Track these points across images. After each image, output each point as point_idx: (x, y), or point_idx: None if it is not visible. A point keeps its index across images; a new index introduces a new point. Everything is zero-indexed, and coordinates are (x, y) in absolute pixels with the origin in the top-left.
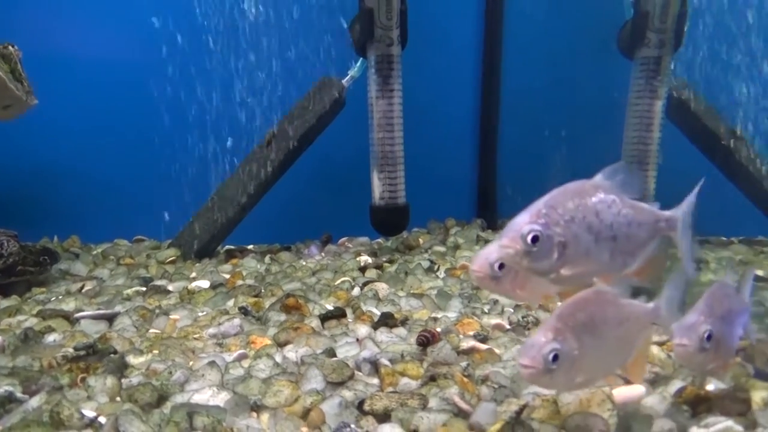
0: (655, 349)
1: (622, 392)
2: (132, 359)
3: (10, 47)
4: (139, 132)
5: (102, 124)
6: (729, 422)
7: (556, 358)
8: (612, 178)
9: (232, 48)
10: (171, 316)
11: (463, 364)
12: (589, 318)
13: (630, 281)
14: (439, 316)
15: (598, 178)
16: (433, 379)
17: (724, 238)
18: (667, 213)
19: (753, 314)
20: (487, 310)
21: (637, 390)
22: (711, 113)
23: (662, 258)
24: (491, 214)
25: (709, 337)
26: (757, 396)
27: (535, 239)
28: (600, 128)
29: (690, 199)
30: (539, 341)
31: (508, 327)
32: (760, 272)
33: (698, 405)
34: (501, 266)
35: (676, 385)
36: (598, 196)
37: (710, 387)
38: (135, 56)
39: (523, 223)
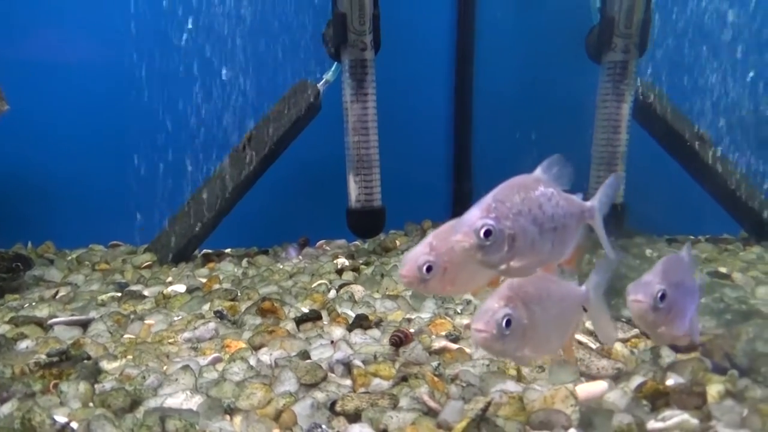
0: (618, 346)
1: (585, 388)
2: (106, 365)
3: None
4: (113, 136)
5: (76, 128)
6: (685, 415)
7: (509, 323)
8: (549, 171)
9: (207, 51)
10: (146, 321)
11: (435, 363)
12: (536, 291)
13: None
14: (413, 317)
15: (538, 171)
16: (404, 379)
17: (692, 237)
18: (588, 203)
19: (713, 310)
20: (459, 311)
21: (599, 386)
22: (676, 115)
23: (584, 246)
24: None
25: (662, 297)
26: (713, 390)
27: (487, 233)
28: (570, 130)
29: (605, 190)
30: (492, 307)
31: None
32: (723, 269)
33: (657, 399)
34: (429, 269)
35: (637, 380)
36: (540, 189)
37: (669, 382)
38: (108, 59)
39: (476, 217)
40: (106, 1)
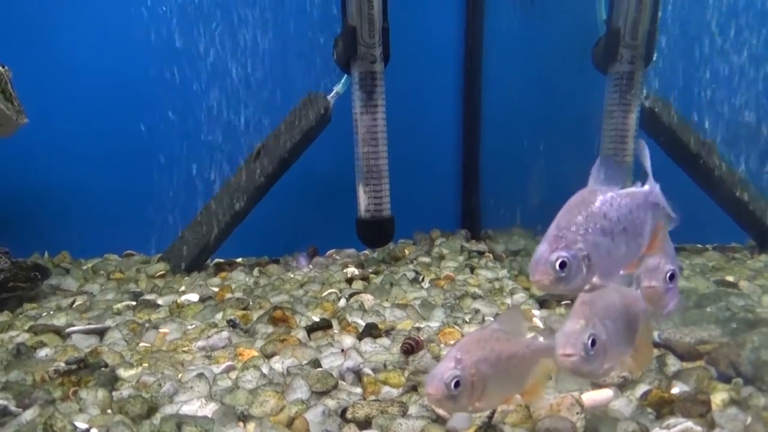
0: None
1: (591, 396)
2: (122, 372)
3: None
4: (128, 146)
5: (91, 139)
6: (689, 423)
7: (593, 343)
8: (599, 177)
9: (222, 64)
10: (160, 330)
11: (424, 379)
12: (606, 305)
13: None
14: (422, 325)
15: (590, 181)
16: (414, 389)
17: (699, 246)
18: (646, 187)
19: (719, 319)
20: (468, 320)
21: (605, 394)
22: (682, 125)
23: (661, 225)
24: (475, 225)
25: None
26: (718, 398)
27: (563, 265)
28: (577, 141)
29: (648, 163)
30: (575, 329)
31: None
32: (730, 278)
33: (662, 407)
34: (456, 384)
35: (642, 388)
36: (599, 199)
37: (675, 390)
38: (126, 70)
39: (547, 253)
40: (121, 13)
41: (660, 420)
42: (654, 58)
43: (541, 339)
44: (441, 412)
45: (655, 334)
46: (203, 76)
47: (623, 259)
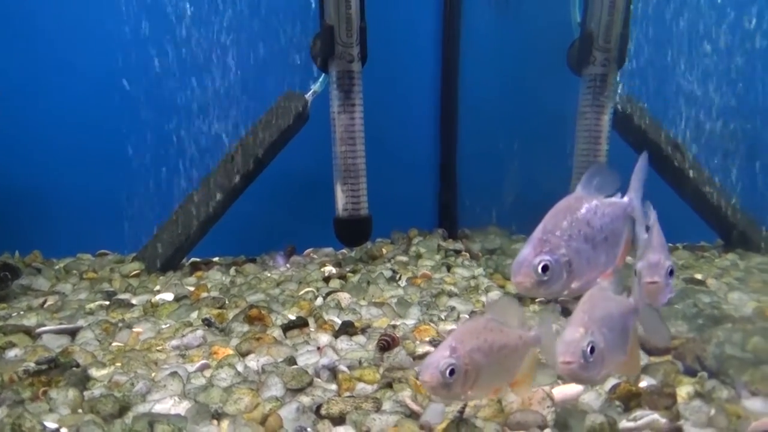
0: None
1: (562, 390)
2: (94, 372)
3: None
4: (101, 145)
5: (64, 137)
6: (655, 415)
7: (592, 350)
8: (590, 183)
9: (194, 61)
10: (134, 329)
11: (418, 368)
12: (603, 313)
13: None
14: (398, 323)
15: (579, 188)
16: (389, 385)
17: (670, 245)
18: (625, 199)
19: (686, 315)
20: (444, 317)
21: (575, 388)
22: (654, 126)
23: (629, 238)
24: (451, 224)
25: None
26: (683, 391)
27: (545, 268)
28: (552, 141)
29: (636, 176)
30: (575, 337)
31: None
32: (698, 276)
33: (630, 400)
34: (451, 372)
35: (611, 382)
36: (584, 206)
37: (643, 384)
38: (95, 69)
39: (531, 256)
40: (98, 8)
41: (628, 413)
42: (627, 61)
43: (532, 331)
44: (414, 407)
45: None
46: (178, 75)
47: (601, 266)
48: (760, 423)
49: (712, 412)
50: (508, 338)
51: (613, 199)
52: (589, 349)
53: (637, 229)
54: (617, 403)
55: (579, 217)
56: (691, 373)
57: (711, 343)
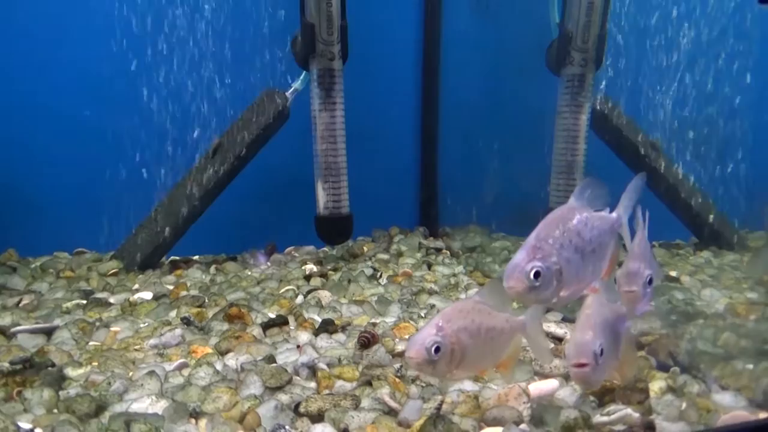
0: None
1: (538, 386)
2: (70, 372)
3: None
4: (78, 141)
5: (39, 133)
6: (628, 410)
7: (602, 352)
8: (582, 195)
9: (174, 57)
10: (111, 328)
11: (397, 365)
12: (610, 316)
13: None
14: (378, 321)
15: (572, 199)
16: (369, 383)
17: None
18: (614, 214)
19: (660, 311)
20: (423, 315)
21: (551, 384)
22: (631, 126)
23: (616, 253)
24: (432, 223)
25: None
26: (656, 386)
27: (537, 275)
28: (531, 140)
29: (627, 195)
30: (586, 340)
31: None
32: (673, 273)
33: (604, 395)
34: (437, 349)
35: None
36: (576, 217)
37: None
38: (72, 64)
39: (524, 261)
40: (77, 6)
41: (601, 407)
42: (604, 62)
43: (520, 316)
44: (392, 404)
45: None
46: (157, 71)
47: (587, 278)
48: (728, 416)
49: (684, 406)
50: (496, 321)
51: (603, 214)
52: (600, 351)
53: (626, 244)
54: (591, 398)
55: (571, 227)
56: (663, 368)
57: (683, 339)
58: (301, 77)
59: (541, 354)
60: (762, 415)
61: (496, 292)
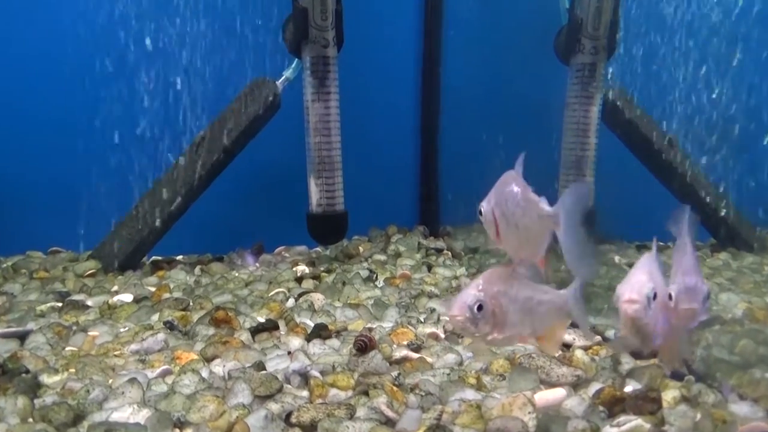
0: (578, 353)
1: (544, 396)
2: (46, 378)
3: None
4: (54, 135)
5: (12, 126)
6: (639, 421)
7: (654, 297)
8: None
9: (155, 47)
10: (89, 333)
11: (394, 373)
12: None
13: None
14: (374, 326)
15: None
16: (365, 393)
17: (660, 243)
18: (551, 209)
19: None
20: (423, 320)
21: (558, 393)
22: (645, 119)
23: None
24: (433, 221)
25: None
26: (669, 395)
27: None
28: (538, 133)
29: (566, 198)
30: (641, 279)
31: (442, 336)
32: None
33: (614, 406)
34: (480, 308)
35: (595, 387)
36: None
37: (628, 388)
38: (46, 58)
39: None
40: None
41: (611, 418)
42: (617, 50)
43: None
44: (390, 414)
45: (611, 332)
46: (137, 61)
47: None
48: (746, 428)
49: (698, 417)
50: (536, 291)
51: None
52: (652, 295)
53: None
54: (601, 408)
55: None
56: (677, 377)
57: (699, 345)
58: (293, 65)
59: (584, 328)
60: None
61: (532, 270)
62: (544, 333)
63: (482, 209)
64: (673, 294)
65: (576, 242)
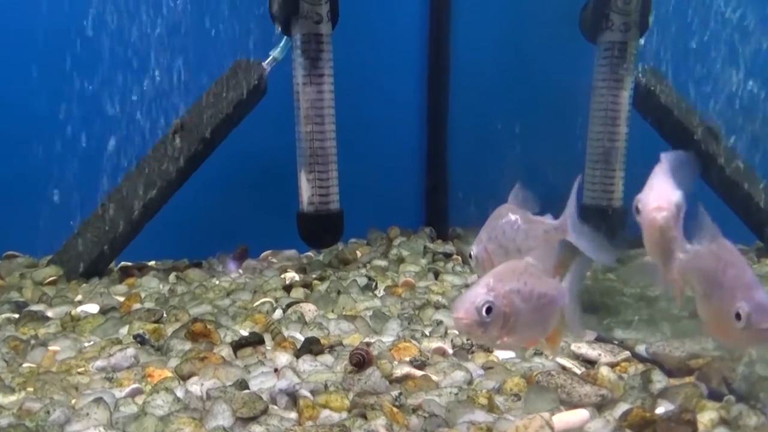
0: (604, 370)
1: (563, 418)
2: (1, 398)
3: None
4: (8, 128)
5: None
6: None
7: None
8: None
9: (122, 26)
10: (50, 348)
11: (395, 393)
12: None
13: None
14: (372, 340)
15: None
16: (362, 415)
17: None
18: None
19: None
20: (428, 333)
21: (579, 415)
22: (683, 105)
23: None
24: (441, 222)
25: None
26: (705, 417)
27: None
28: (560, 123)
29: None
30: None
31: (450, 351)
32: None
33: (644, 429)
34: (488, 310)
35: (622, 408)
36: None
37: (659, 410)
38: (6, 48)
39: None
40: None
41: None
42: (649, 26)
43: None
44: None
45: (642, 347)
46: (107, 43)
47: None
48: None
49: None
50: (547, 287)
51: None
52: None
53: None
54: (628, 431)
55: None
56: (715, 397)
57: (741, 362)
58: (281, 44)
59: (574, 325)
60: None
61: (546, 256)
62: (551, 332)
63: (473, 252)
64: (741, 311)
65: (590, 239)
